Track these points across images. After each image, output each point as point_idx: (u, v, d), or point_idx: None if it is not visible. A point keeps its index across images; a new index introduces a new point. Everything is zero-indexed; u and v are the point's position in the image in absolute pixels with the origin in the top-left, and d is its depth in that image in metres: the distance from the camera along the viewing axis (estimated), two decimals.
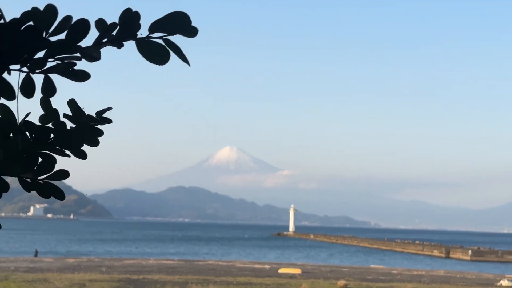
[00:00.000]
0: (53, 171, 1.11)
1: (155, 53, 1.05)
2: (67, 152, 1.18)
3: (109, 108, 1.31)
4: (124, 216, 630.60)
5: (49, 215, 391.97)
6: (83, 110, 1.25)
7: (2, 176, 1.05)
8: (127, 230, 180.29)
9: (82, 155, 1.20)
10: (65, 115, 1.22)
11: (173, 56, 1.13)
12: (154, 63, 1.06)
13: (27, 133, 1.17)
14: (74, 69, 1.06)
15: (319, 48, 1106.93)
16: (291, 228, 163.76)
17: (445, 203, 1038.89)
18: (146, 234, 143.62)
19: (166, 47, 1.04)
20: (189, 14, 1.16)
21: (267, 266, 43.81)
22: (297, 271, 38.76)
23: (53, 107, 1.22)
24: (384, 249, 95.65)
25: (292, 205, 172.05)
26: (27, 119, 1.20)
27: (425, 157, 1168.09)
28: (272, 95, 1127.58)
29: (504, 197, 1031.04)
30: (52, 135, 1.19)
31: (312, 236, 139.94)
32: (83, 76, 1.09)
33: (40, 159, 1.15)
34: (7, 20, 0.98)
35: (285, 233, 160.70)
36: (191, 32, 1.06)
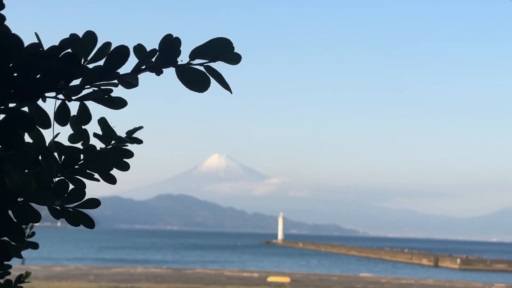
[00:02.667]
0: (84, 200, 1.07)
1: (196, 80, 1.01)
2: (96, 176, 1.14)
3: (140, 127, 1.25)
4: (112, 223, 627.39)
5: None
6: (114, 129, 1.20)
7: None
8: (115, 237, 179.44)
9: (112, 180, 1.14)
10: (95, 135, 1.18)
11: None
12: (194, 90, 1.02)
13: (55, 154, 1.12)
14: (110, 96, 1.02)
15: (309, 56, 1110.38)
16: (280, 236, 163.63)
17: (434, 212, 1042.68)
18: (134, 242, 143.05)
19: (207, 74, 1.01)
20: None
21: (255, 275, 43.76)
22: (286, 279, 38.76)
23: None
24: (373, 258, 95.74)
25: (281, 213, 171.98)
26: (56, 139, 1.15)
27: (416, 166, 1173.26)
28: (261, 103, 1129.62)
29: (492, 206, 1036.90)
30: (82, 157, 1.15)
31: (301, 244, 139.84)
32: (120, 103, 1.03)
33: (70, 185, 1.11)
34: (45, 47, 0.95)
35: (274, 241, 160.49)
36: (233, 59, 1.02)
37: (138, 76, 1.04)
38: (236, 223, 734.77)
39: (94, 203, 1.09)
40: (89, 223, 1.07)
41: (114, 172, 1.20)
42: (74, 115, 1.09)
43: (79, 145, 1.16)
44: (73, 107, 1.06)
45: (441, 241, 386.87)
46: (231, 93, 1.07)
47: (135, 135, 1.29)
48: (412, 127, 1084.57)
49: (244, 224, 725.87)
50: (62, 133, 1.15)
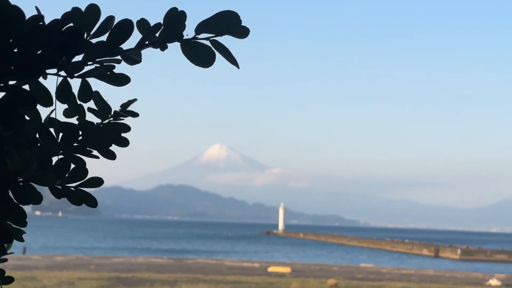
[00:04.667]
0: (86, 178, 1.04)
1: (201, 55, 0.98)
2: (95, 153, 1.09)
3: (134, 100, 1.20)
4: (113, 213, 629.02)
5: (37, 213, 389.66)
6: (108, 102, 1.15)
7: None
8: (115, 227, 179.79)
9: (111, 156, 1.10)
10: (90, 109, 1.13)
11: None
12: (199, 66, 0.99)
13: (53, 131, 1.08)
14: (113, 73, 0.98)
15: (309, 45, 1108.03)
16: (281, 226, 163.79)
17: (435, 202, 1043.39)
18: (134, 232, 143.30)
19: (213, 48, 0.98)
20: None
21: (256, 265, 43.83)
22: (286, 269, 38.80)
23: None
24: (373, 248, 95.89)
25: (282, 204, 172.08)
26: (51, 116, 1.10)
27: (416, 157, 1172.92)
28: (262, 93, 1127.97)
29: (493, 196, 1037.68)
30: (80, 134, 1.10)
31: (301, 235, 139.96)
32: (123, 80, 1.00)
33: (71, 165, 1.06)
34: (47, 21, 0.91)
35: (274, 231, 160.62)
36: (241, 32, 0.98)
37: (141, 54, 0.99)
38: (236, 214, 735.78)
39: (97, 181, 1.05)
40: (92, 202, 1.04)
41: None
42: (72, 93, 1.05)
43: (74, 120, 1.13)
44: (73, 84, 1.03)
45: (441, 231, 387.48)
46: (238, 68, 1.04)
47: (129, 108, 1.23)
48: (413, 119, 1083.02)
49: (245, 215, 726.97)
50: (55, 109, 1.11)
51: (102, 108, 1.15)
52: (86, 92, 1.04)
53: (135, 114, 1.19)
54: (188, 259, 50.28)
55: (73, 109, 1.11)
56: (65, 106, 1.12)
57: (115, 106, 1.20)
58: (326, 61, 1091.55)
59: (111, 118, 1.17)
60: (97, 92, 1.13)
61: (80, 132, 1.10)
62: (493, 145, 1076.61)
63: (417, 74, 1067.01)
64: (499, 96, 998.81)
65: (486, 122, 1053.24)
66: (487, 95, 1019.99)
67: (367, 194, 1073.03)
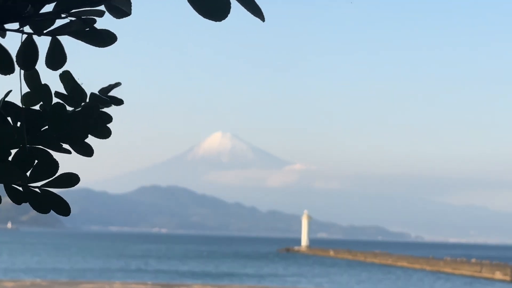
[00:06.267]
0: (56, 175, 0.98)
1: (213, 5, 0.92)
2: (66, 146, 1.07)
3: (118, 84, 1.15)
4: (80, 225, 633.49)
5: None
6: (81, 85, 1.10)
7: None
8: (83, 243, 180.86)
9: (88, 151, 1.08)
10: (57, 94, 1.08)
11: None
12: (209, 19, 0.94)
13: (9, 119, 1.04)
14: (95, 29, 0.92)
15: (345, 20, 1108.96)
16: (304, 241, 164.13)
17: (510, 210, 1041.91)
18: (108, 249, 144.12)
19: None
20: None
21: None
22: None
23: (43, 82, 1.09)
24: (429, 270, 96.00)
25: (306, 211, 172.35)
26: (7, 99, 1.09)
27: (484, 150, 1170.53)
28: (278, 68, 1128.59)
29: None
30: (45, 123, 1.07)
31: (332, 253, 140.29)
32: (108, 39, 0.93)
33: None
34: None
35: (296, 248, 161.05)
36: None
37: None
38: (245, 224, 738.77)
39: (71, 179, 1.01)
40: (63, 208, 1.00)
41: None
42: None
43: (36, 108, 1.09)
44: (42, 45, 0.97)
45: None
46: (263, 21, 1.00)
47: (111, 94, 1.17)
48: (479, 99, 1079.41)
49: (256, 225, 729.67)
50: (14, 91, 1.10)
51: (74, 91, 1.09)
52: (58, 55, 0.97)
53: (119, 101, 1.14)
54: (180, 285, 50.45)
55: (37, 93, 1.07)
56: (24, 89, 1.08)
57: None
58: (365, 34, 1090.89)
59: (86, 105, 1.15)
60: (67, 72, 1.06)
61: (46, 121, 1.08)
62: None
63: (461, 62, 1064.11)
64: None
65: None
66: None
67: (419, 198, 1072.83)
